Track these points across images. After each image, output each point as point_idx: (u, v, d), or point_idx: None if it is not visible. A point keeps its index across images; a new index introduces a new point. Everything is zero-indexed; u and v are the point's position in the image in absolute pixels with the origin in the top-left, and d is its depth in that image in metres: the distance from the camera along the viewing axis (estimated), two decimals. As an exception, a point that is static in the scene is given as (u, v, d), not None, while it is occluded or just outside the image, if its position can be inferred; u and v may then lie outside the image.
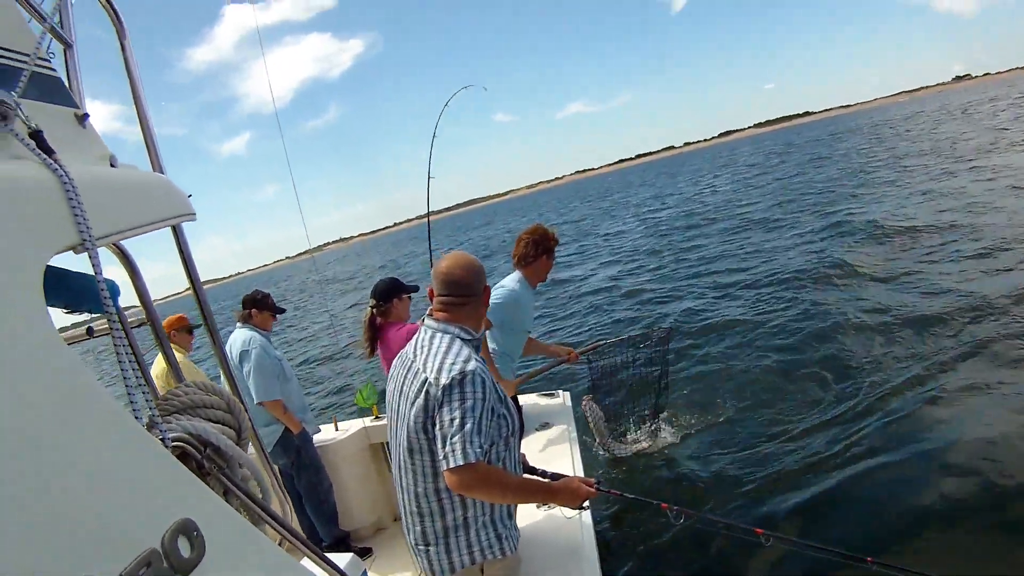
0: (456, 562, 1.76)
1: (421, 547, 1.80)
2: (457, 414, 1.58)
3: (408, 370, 1.78)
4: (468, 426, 1.58)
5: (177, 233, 1.49)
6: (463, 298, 1.82)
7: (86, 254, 0.94)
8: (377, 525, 3.66)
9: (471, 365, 1.66)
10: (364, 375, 9.28)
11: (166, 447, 1.00)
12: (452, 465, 1.56)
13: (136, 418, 0.91)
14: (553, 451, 3.05)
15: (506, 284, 3.29)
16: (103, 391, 0.83)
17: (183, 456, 1.06)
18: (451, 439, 1.57)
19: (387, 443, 2.98)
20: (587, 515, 2.24)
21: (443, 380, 1.63)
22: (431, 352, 1.73)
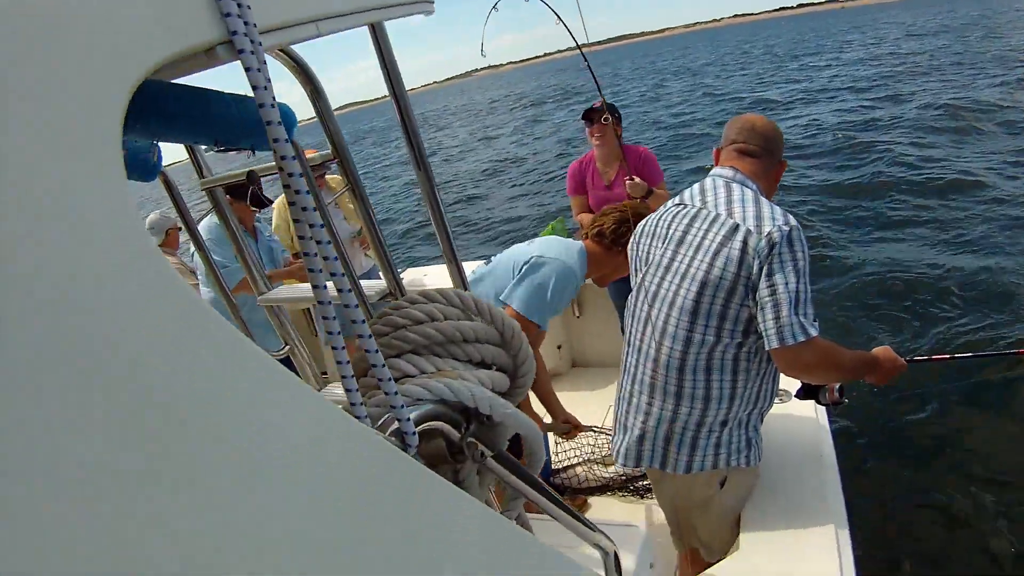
0: (697, 462, 1.51)
1: (660, 430, 1.52)
2: (792, 278, 1.33)
3: (693, 217, 1.50)
4: (805, 294, 1.34)
5: (378, 31, 0.95)
6: (760, 149, 1.55)
7: (242, 58, 0.50)
8: (552, 373, 3.10)
9: (792, 220, 1.39)
10: (553, 207, 8.68)
11: (407, 447, 0.58)
12: (792, 342, 1.32)
13: (352, 398, 0.56)
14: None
15: (553, 254, 1.94)
16: (249, 342, 0.40)
17: (426, 436, 0.64)
18: (792, 309, 1.32)
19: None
20: (824, 415, 1.90)
21: (767, 229, 1.36)
22: (734, 199, 1.45)
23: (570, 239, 2.08)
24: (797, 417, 1.90)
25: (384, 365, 0.59)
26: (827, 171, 8.18)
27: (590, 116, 2.79)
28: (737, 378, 1.47)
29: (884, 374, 1.55)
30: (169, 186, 1.09)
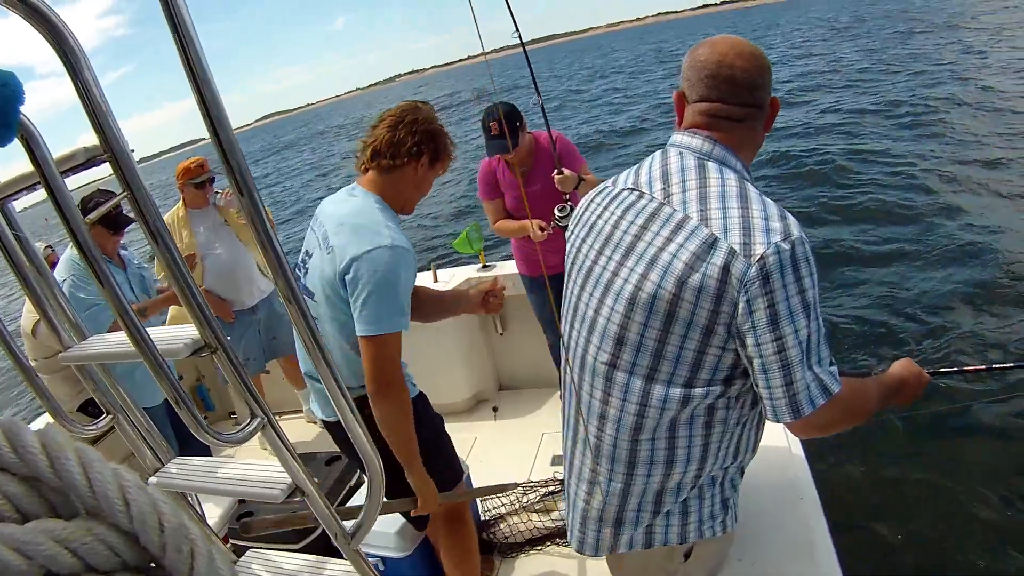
0: (659, 536, 1.14)
1: (609, 510, 1.14)
2: (802, 320, 0.94)
3: (651, 216, 1.06)
4: (817, 333, 0.96)
5: None
6: (744, 108, 1.07)
7: None
8: (476, 399, 3.01)
9: (795, 227, 0.96)
10: (467, 217, 8.39)
11: None
12: (810, 410, 0.96)
13: None
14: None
15: (368, 243, 1.42)
16: None
17: None
18: (805, 364, 0.95)
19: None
20: (796, 440, 1.55)
21: (759, 250, 0.93)
22: (711, 194, 1.01)
23: (364, 199, 1.51)
24: (764, 445, 1.33)
25: None
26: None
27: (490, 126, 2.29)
28: (711, 431, 1.07)
29: (910, 395, 1.20)
30: None
